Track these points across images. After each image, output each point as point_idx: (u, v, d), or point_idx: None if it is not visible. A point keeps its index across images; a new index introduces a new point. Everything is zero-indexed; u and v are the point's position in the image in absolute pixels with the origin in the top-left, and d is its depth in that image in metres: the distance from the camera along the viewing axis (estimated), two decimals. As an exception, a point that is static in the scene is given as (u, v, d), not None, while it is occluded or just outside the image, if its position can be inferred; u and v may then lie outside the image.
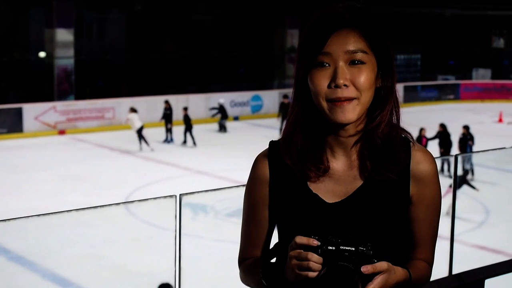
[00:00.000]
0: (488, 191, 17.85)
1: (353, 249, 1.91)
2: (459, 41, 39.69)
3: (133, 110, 23.52)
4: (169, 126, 24.87)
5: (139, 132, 22.77)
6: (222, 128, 27.55)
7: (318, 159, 2.15)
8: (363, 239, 1.95)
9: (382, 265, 1.92)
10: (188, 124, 24.43)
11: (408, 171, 2.13)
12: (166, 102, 25.65)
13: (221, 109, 27.60)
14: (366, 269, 1.89)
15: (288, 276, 2.00)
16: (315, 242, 1.93)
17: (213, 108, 28.29)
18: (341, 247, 1.92)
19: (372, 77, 2.07)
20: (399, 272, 2.00)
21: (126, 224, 14.00)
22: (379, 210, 2.10)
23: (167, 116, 25.05)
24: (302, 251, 1.94)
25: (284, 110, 26.29)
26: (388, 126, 2.13)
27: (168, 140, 24.77)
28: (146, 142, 22.72)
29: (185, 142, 24.31)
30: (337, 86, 2.03)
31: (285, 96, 27.30)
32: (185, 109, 25.30)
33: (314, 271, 1.92)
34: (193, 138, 24.23)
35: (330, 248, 1.92)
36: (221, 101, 28.19)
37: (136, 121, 23.00)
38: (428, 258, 2.21)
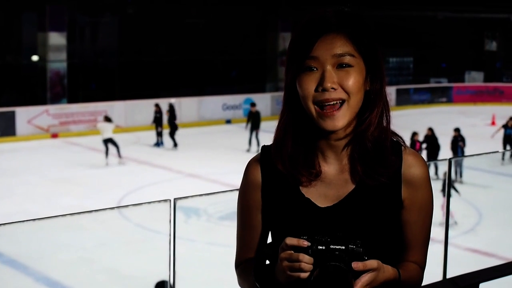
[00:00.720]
0: (480, 194, 17.90)
1: (343, 247, 1.92)
2: (452, 43, 39.73)
3: (107, 119, 22.72)
4: (159, 129, 24.67)
5: (106, 142, 21.56)
6: (173, 129, 25.72)
7: (309, 163, 2.16)
8: (352, 237, 1.96)
9: (372, 263, 1.93)
10: (173, 126, 24.43)
11: (399, 175, 2.14)
12: (156, 105, 25.40)
13: (171, 110, 26.02)
14: (356, 265, 1.90)
15: (279, 278, 2.00)
16: (305, 243, 1.93)
17: (167, 110, 26.57)
18: (331, 246, 1.92)
19: (360, 80, 2.08)
20: (388, 271, 2.01)
21: (119, 228, 13.99)
22: (371, 214, 2.11)
23: (157, 120, 24.88)
24: (293, 252, 1.94)
25: (253, 119, 24.94)
26: (378, 129, 2.14)
27: (159, 143, 24.61)
28: (118, 152, 21.57)
29: (175, 145, 24.21)
30: (324, 90, 2.04)
31: (253, 104, 25.93)
32: (169, 111, 25.29)
33: (305, 271, 1.92)
34: (175, 139, 24.20)
35: (320, 247, 1.92)
36: (172, 101, 26.91)
37: (106, 131, 21.66)
38: (420, 261, 2.22)
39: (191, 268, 11.37)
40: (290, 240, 1.95)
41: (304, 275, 1.92)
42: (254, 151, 21.21)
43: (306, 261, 1.92)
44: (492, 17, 37.97)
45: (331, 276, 1.88)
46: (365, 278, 1.92)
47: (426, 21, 38.26)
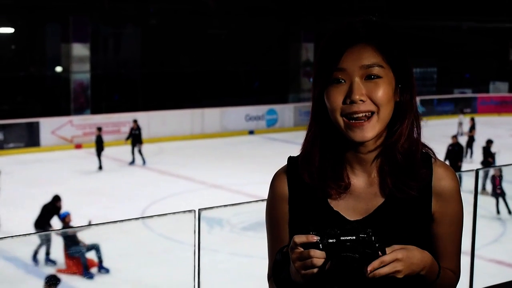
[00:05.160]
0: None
1: (354, 237, 1.87)
2: (476, 54, 39.54)
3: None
4: (138, 147, 23.37)
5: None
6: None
7: (338, 176, 2.12)
8: (363, 226, 1.92)
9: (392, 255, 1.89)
10: (99, 146, 22.62)
11: (430, 187, 2.11)
12: (135, 121, 24.19)
13: None
14: (371, 267, 1.86)
15: (296, 280, 1.96)
16: (314, 238, 1.89)
17: None
18: (342, 238, 1.88)
19: (390, 92, 2.04)
20: (425, 254, 1.98)
21: (143, 238, 14.00)
22: (401, 227, 2.07)
23: (136, 137, 23.53)
24: (303, 249, 1.90)
25: (133, 137, 23.54)
26: (408, 141, 2.10)
27: (142, 161, 23.31)
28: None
29: (100, 168, 22.50)
30: (352, 102, 2.00)
31: (135, 121, 24.21)
32: (99, 129, 23.35)
33: (318, 267, 1.88)
34: (100, 161, 22.53)
35: (331, 241, 1.88)
36: None
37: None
38: (453, 268, 2.18)
39: (215, 279, 11.36)
40: (299, 238, 1.91)
41: (318, 270, 1.88)
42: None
43: (318, 255, 1.87)
44: (516, 27, 37.76)
45: (344, 266, 1.84)
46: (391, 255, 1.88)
47: (450, 31, 38.11)
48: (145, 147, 24.75)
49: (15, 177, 21.06)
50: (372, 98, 2.01)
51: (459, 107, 33.61)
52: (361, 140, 2.03)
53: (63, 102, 29.00)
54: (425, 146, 2.16)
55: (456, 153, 20.07)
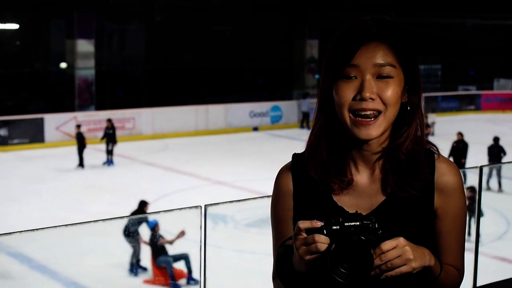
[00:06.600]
0: (509, 202, 17.77)
1: (358, 223, 1.88)
2: (480, 51, 39.45)
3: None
4: (110, 147, 22.79)
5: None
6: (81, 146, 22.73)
7: (341, 172, 2.13)
8: (366, 215, 1.92)
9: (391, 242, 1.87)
10: (81, 143, 22.28)
11: (432, 183, 2.11)
12: (109, 120, 23.66)
13: None
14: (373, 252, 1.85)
15: (300, 269, 1.95)
16: (318, 223, 1.89)
17: None
18: (346, 224, 1.88)
19: (399, 92, 2.05)
20: (426, 253, 1.95)
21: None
22: (404, 224, 2.07)
23: (110, 136, 22.97)
24: (307, 236, 1.89)
25: (108, 137, 22.94)
26: (413, 141, 2.12)
27: (109, 162, 22.77)
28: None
29: (81, 165, 22.03)
30: (362, 99, 2.01)
31: (109, 120, 23.73)
32: (78, 126, 23.13)
33: (323, 252, 1.86)
34: (82, 158, 22.02)
35: (335, 227, 1.88)
36: None
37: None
38: (457, 265, 2.17)
39: (220, 275, 11.37)
40: (303, 223, 1.90)
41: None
42: None
43: (323, 240, 1.86)
44: (521, 24, 37.67)
45: (350, 247, 1.83)
46: (387, 245, 1.86)
47: (454, 28, 38.04)
48: (150, 143, 24.80)
49: (19, 173, 21.11)
50: (381, 97, 2.03)
51: (430, 105, 33.27)
52: (365, 138, 2.04)
53: (67, 98, 29.00)
54: (428, 143, 2.18)
55: (460, 150, 20.07)
